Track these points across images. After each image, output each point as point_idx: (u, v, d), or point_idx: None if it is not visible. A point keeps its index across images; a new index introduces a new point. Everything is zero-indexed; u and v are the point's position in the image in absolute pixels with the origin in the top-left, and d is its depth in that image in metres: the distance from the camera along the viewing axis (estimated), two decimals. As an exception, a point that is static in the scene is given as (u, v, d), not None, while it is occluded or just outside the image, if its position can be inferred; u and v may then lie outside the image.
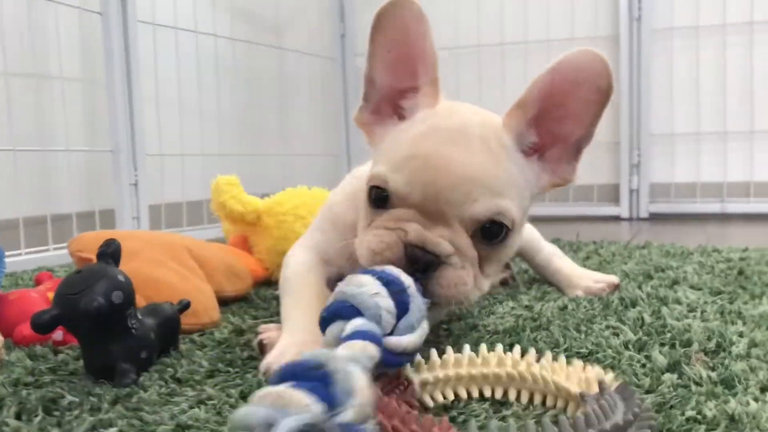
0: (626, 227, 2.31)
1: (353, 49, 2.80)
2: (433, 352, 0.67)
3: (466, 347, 0.68)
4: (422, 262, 0.67)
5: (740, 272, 1.19)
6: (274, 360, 0.72)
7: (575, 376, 0.62)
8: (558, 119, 0.75)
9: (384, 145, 0.77)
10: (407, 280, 0.63)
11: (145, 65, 1.95)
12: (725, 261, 1.32)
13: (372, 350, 0.52)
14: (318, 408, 0.42)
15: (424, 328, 0.60)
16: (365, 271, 0.62)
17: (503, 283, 1.22)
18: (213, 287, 1.04)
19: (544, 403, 0.63)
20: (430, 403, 0.64)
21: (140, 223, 1.92)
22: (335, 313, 0.58)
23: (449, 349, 0.67)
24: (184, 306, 0.86)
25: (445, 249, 0.68)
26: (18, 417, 0.63)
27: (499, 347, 0.67)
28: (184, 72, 2.14)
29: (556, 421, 0.49)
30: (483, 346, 0.67)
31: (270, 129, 2.60)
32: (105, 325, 0.72)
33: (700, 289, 1.08)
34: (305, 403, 0.42)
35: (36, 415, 0.63)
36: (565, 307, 0.99)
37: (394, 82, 0.79)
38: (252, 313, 1.03)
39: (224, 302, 1.08)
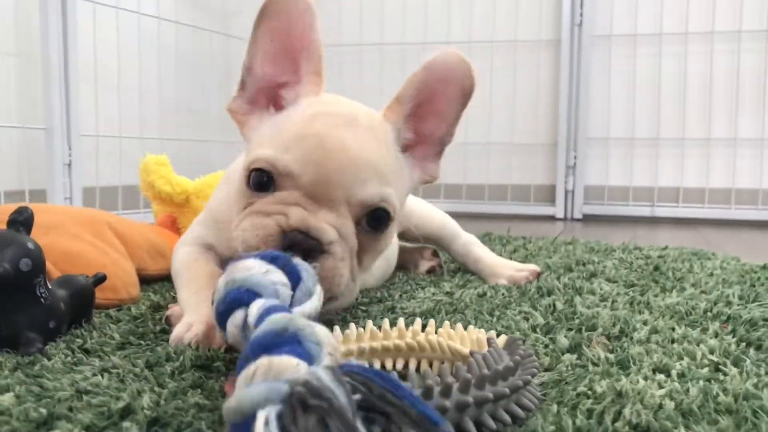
0: (560, 227, 2.37)
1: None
2: (336, 328, 0.68)
3: (369, 322, 0.69)
4: (303, 248, 0.66)
5: (656, 268, 1.23)
6: (182, 332, 0.72)
7: (468, 340, 0.64)
8: (426, 116, 0.78)
9: (263, 132, 0.76)
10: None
11: (83, 43, 1.91)
12: (644, 258, 1.37)
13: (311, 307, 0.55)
14: (305, 365, 0.42)
15: (319, 291, 0.60)
16: (247, 256, 0.60)
17: (430, 271, 1.24)
18: (135, 264, 1.03)
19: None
20: (335, 377, 0.65)
21: (73, 204, 1.88)
22: (233, 303, 0.55)
23: (351, 325, 0.68)
24: (99, 279, 0.85)
25: (329, 235, 0.67)
26: None
27: (401, 321, 0.69)
28: (125, 53, 2.10)
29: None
30: (385, 321, 0.68)
31: (213, 115, 2.57)
32: (12, 292, 0.71)
33: (615, 282, 1.11)
34: (295, 364, 0.42)
35: (-69, 380, 0.62)
36: (485, 294, 1.02)
37: (276, 72, 0.78)
38: (174, 292, 1.03)
39: (147, 281, 1.07)
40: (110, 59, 2.06)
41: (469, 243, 1.21)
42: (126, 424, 0.52)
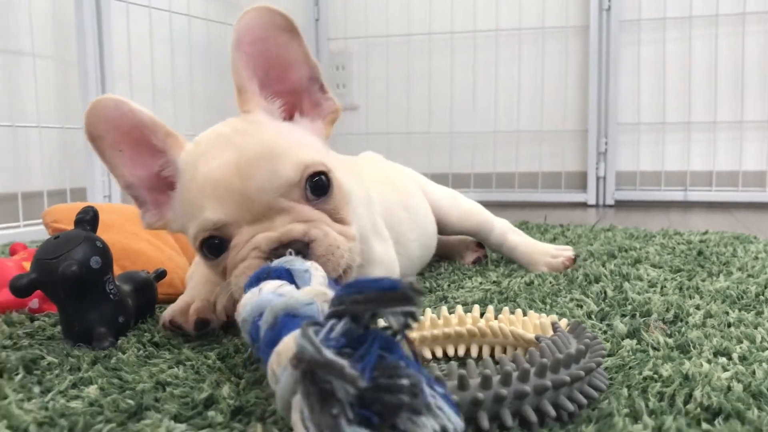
0: (593, 213, 2.36)
1: (326, 33, 2.81)
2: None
3: (428, 310, 0.71)
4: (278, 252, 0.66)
5: (699, 252, 1.24)
6: (167, 312, 0.78)
7: (531, 325, 0.65)
8: (281, 76, 0.78)
9: (178, 214, 0.76)
10: (300, 261, 0.62)
11: (118, 43, 1.94)
12: (686, 243, 1.37)
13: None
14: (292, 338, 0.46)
15: (317, 274, 0.60)
16: (261, 276, 0.58)
17: (475, 261, 1.25)
18: (188, 260, 1.05)
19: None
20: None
21: (112, 201, 1.91)
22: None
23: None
24: (160, 274, 0.88)
25: (298, 230, 0.67)
26: (-1, 375, 0.64)
27: (459, 308, 0.70)
28: (158, 52, 2.13)
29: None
30: (444, 308, 0.70)
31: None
32: (83, 289, 0.73)
33: (660, 267, 1.12)
34: (291, 343, 0.44)
35: (17, 374, 0.64)
36: (532, 282, 1.03)
37: (145, 169, 0.78)
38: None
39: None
40: (144, 58, 2.09)
41: (504, 232, 1.23)
42: (211, 413, 0.54)
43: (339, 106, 0.81)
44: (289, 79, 0.78)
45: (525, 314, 0.68)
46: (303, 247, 0.67)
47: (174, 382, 0.61)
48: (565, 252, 1.17)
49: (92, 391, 0.60)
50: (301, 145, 0.73)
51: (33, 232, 1.65)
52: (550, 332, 0.62)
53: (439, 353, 0.68)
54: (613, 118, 2.55)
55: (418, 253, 1.09)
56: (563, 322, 0.66)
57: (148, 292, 0.85)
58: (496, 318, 0.67)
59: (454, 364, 0.51)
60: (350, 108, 2.87)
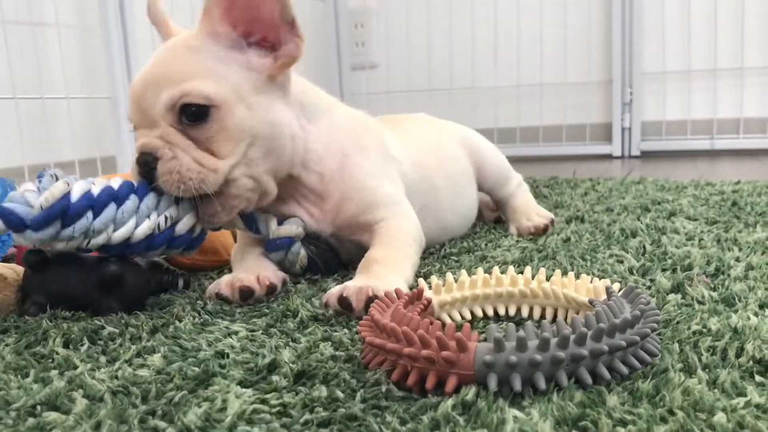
0: (618, 165, 2.35)
1: (345, -9, 2.78)
2: (449, 275, 0.71)
3: (479, 270, 0.72)
4: (142, 164, 0.78)
5: (734, 203, 1.23)
6: (212, 286, 0.83)
7: (584, 288, 0.66)
8: (248, 6, 0.81)
9: None
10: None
11: (140, 11, 1.93)
12: (719, 193, 1.37)
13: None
14: None
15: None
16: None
17: (497, 221, 1.25)
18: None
19: (555, 316, 0.68)
20: (448, 321, 0.69)
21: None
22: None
23: (463, 272, 0.72)
24: None
25: (151, 144, 0.78)
26: (66, 346, 0.67)
27: (511, 269, 0.71)
28: (179, 18, 2.12)
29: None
30: (496, 268, 0.71)
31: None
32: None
33: (696, 220, 1.12)
34: None
35: (82, 344, 0.67)
36: (568, 239, 1.04)
37: None
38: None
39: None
40: (165, 24, 2.08)
41: (518, 185, 1.23)
42: (275, 377, 0.56)
43: (300, 50, 0.83)
44: (259, 10, 0.81)
45: (577, 277, 0.68)
46: (152, 161, 0.78)
47: (234, 349, 0.63)
48: (540, 219, 1.13)
49: (156, 359, 0.62)
50: (201, 75, 0.79)
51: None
52: (603, 296, 0.63)
53: (490, 312, 0.69)
54: (638, 68, 2.51)
55: (453, 222, 1.09)
56: (616, 286, 0.66)
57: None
58: (547, 279, 0.68)
59: (512, 325, 0.53)
60: (370, 67, 2.86)
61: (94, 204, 0.75)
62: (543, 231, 1.11)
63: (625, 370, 0.52)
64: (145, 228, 0.77)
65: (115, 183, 0.78)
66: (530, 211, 1.16)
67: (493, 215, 1.25)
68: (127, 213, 0.77)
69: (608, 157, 2.56)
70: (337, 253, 0.93)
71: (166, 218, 0.79)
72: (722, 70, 2.46)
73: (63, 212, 0.73)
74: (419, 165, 1.02)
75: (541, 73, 2.64)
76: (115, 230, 0.76)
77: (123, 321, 0.73)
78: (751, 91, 2.45)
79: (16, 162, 1.67)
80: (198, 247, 0.85)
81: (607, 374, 0.52)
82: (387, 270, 0.80)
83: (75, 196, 0.75)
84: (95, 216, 0.75)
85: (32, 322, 0.74)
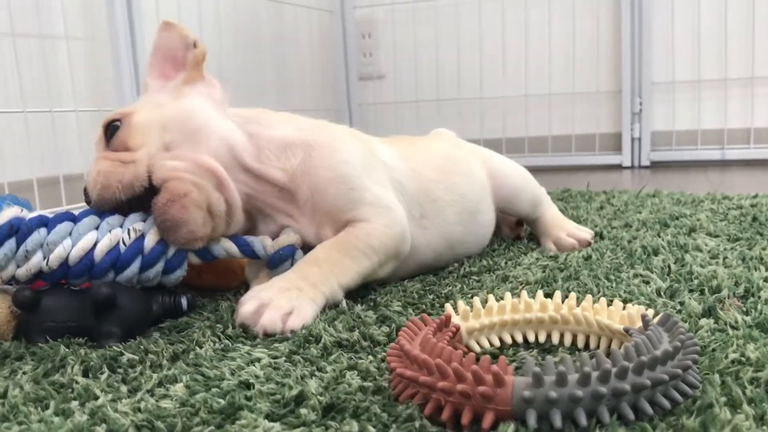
0: (628, 176, 2.34)
1: (351, 1, 2.76)
2: (476, 300, 0.69)
3: (508, 294, 0.70)
4: (84, 196, 0.86)
5: (754, 219, 1.22)
6: (239, 320, 0.78)
7: (617, 315, 0.65)
8: (174, 66, 0.93)
9: None
10: None
11: (148, 23, 1.92)
12: (737, 208, 1.35)
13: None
14: None
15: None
16: None
17: (516, 237, 1.24)
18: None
19: (587, 344, 0.66)
20: (477, 349, 0.67)
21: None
22: None
23: (490, 296, 0.70)
24: None
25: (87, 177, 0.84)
26: (85, 375, 0.65)
27: (540, 293, 0.70)
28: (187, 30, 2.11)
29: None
30: (524, 293, 0.70)
31: (269, 85, 2.59)
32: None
33: (717, 236, 1.10)
34: None
35: (101, 373, 0.65)
36: (590, 257, 1.02)
37: None
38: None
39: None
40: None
41: (547, 206, 1.21)
42: (303, 410, 0.55)
43: (200, 52, 0.92)
44: (179, 59, 0.93)
45: (610, 303, 0.67)
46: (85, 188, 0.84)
47: (258, 379, 0.62)
48: (581, 233, 1.13)
49: (179, 389, 0.60)
50: (147, 105, 0.88)
51: (77, 217, 1.66)
52: (638, 323, 0.61)
53: (520, 339, 0.68)
54: (647, 78, 2.50)
55: (462, 237, 1.05)
56: (649, 312, 0.65)
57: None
58: (578, 304, 0.67)
59: (549, 358, 0.51)
60: (377, 77, 2.85)
61: (47, 221, 0.78)
62: (587, 245, 1.10)
63: (667, 404, 0.51)
64: (106, 241, 0.78)
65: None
66: (566, 225, 1.15)
67: (513, 233, 1.23)
68: (83, 227, 0.78)
69: (618, 167, 2.55)
70: None
71: (129, 231, 0.79)
72: (732, 79, 2.45)
73: (14, 229, 0.76)
74: (417, 175, 1.00)
75: (550, 83, 2.63)
76: (73, 245, 0.77)
77: (142, 347, 0.71)
78: (761, 100, 2.44)
79: (26, 175, 1.66)
80: (182, 267, 0.82)
81: (649, 409, 0.50)
82: (321, 275, 0.80)
83: (28, 216, 0.78)
84: (49, 232, 0.77)
85: (48, 349, 0.72)
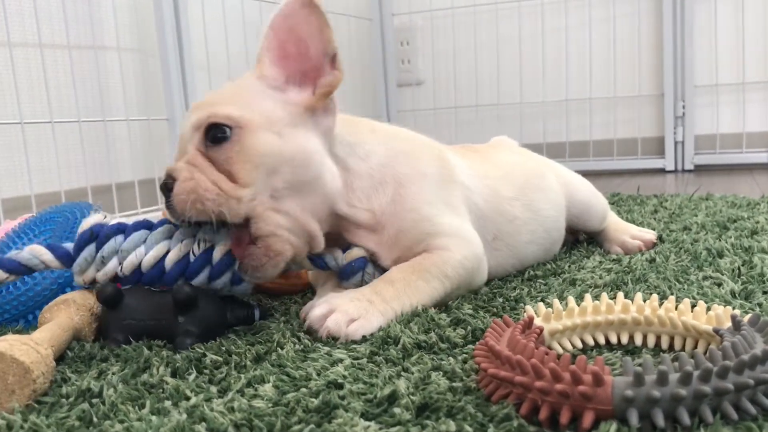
0: (672, 179, 2.32)
1: (390, 9, 2.78)
2: (556, 302, 0.69)
3: (587, 296, 0.70)
4: (163, 188, 0.80)
5: (816, 220, 1.20)
6: (308, 324, 0.78)
7: (702, 315, 0.64)
8: (297, 53, 0.84)
9: None
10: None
11: (195, 33, 1.96)
12: (796, 210, 1.33)
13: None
14: None
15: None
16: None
17: (576, 240, 1.23)
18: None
19: (671, 345, 0.66)
20: (560, 351, 0.67)
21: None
22: None
23: (570, 298, 0.70)
24: None
25: (173, 168, 0.79)
26: (173, 375, 0.66)
27: (621, 295, 0.70)
28: (232, 40, 2.14)
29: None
30: (604, 295, 0.70)
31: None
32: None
33: (781, 239, 1.09)
34: None
35: (189, 374, 0.66)
36: (653, 259, 1.01)
37: None
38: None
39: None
40: (220, 46, 2.10)
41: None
42: (396, 410, 0.55)
43: (337, 80, 0.84)
44: (306, 52, 0.84)
45: (694, 304, 0.66)
46: (171, 183, 0.78)
47: (346, 378, 0.62)
48: (646, 235, 1.14)
49: (268, 389, 0.61)
50: (233, 102, 0.82)
51: (131, 224, 1.70)
52: (726, 324, 0.61)
53: (602, 340, 0.68)
54: (690, 81, 2.48)
55: (531, 254, 1.04)
56: (724, 310, 0.64)
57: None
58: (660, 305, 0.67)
59: (648, 357, 0.51)
60: (416, 83, 2.86)
61: (124, 228, 0.81)
62: (652, 246, 1.11)
63: (753, 410, 0.50)
64: (177, 251, 0.79)
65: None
66: (629, 228, 1.15)
67: (573, 236, 1.23)
68: (157, 235, 0.81)
69: (661, 171, 2.53)
70: None
71: (199, 242, 0.80)
72: (778, 81, 2.42)
73: (94, 235, 0.79)
74: (494, 193, 0.99)
75: (590, 88, 2.62)
76: (146, 254, 0.79)
77: (224, 348, 0.73)
78: (808, 102, 2.41)
79: (81, 183, 1.70)
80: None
81: (752, 409, 0.50)
82: (394, 292, 0.80)
83: (109, 223, 0.81)
84: (125, 239, 0.80)
85: (131, 350, 0.74)
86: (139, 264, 0.80)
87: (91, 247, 0.79)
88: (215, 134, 0.79)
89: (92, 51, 1.78)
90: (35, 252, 0.79)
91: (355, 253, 0.87)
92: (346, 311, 0.76)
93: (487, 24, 2.73)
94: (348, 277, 0.87)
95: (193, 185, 0.76)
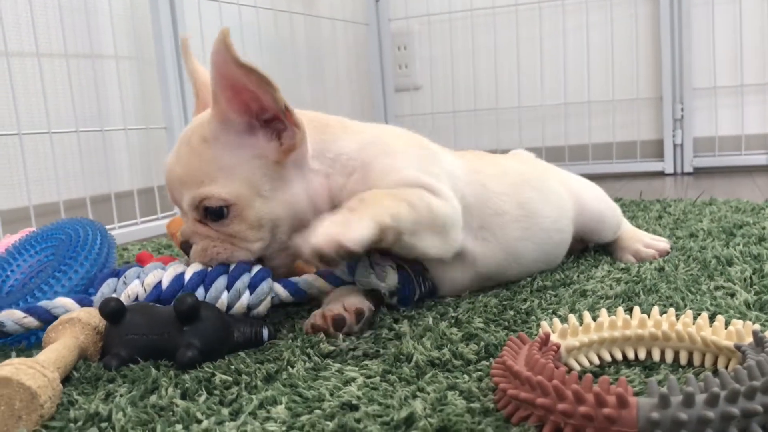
0: (671, 182, 2.31)
1: (387, 14, 2.77)
2: (572, 317, 0.68)
3: (603, 311, 0.69)
4: (183, 248, 0.88)
5: (823, 226, 1.20)
6: (308, 322, 0.84)
7: (722, 330, 0.63)
8: (248, 94, 0.81)
9: None
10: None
11: (193, 41, 1.94)
12: (801, 215, 1.33)
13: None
14: None
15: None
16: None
17: (584, 249, 1.22)
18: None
19: (690, 361, 0.65)
20: (577, 368, 0.66)
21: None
22: None
23: (586, 313, 0.69)
24: None
25: (186, 233, 0.87)
26: (183, 397, 0.65)
27: (637, 309, 0.69)
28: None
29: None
30: (620, 309, 0.69)
31: (307, 97, 2.60)
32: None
33: (790, 245, 1.08)
34: None
35: (199, 395, 0.65)
36: (662, 268, 1.01)
37: None
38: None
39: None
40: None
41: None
42: (415, 433, 0.54)
43: (298, 138, 0.84)
44: (252, 99, 0.82)
45: (712, 318, 0.65)
46: (188, 247, 0.87)
47: (360, 399, 0.61)
48: (660, 243, 1.13)
49: (281, 411, 0.60)
50: (217, 175, 0.83)
51: (128, 234, 1.68)
52: (748, 340, 0.60)
53: (619, 356, 0.67)
54: (688, 84, 2.47)
55: (528, 253, 1.02)
56: (754, 328, 0.63)
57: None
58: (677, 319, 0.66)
59: (673, 378, 0.50)
60: (414, 88, 2.85)
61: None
62: (666, 254, 1.10)
63: None
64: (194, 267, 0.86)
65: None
66: (642, 237, 1.14)
67: (580, 246, 1.22)
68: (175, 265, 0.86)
69: (660, 174, 2.52)
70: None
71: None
72: (776, 83, 2.42)
73: (114, 273, 0.86)
74: (482, 187, 0.98)
75: (589, 91, 2.61)
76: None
77: (233, 367, 0.71)
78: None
79: (79, 193, 1.68)
80: (266, 301, 0.85)
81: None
82: (366, 205, 0.78)
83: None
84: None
85: (138, 370, 0.72)
86: (159, 281, 0.84)
87: (113, 279, 0.84)
88: (213, 214, 0.84)
89: (90, 60, 1.76)
90: (66, 306, 0.81)
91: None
92: (333, 222, 0.74)
93: (485, 28, 2.72)
94: (356, 268, 0.86)
95: (210, 252, 0.86)
